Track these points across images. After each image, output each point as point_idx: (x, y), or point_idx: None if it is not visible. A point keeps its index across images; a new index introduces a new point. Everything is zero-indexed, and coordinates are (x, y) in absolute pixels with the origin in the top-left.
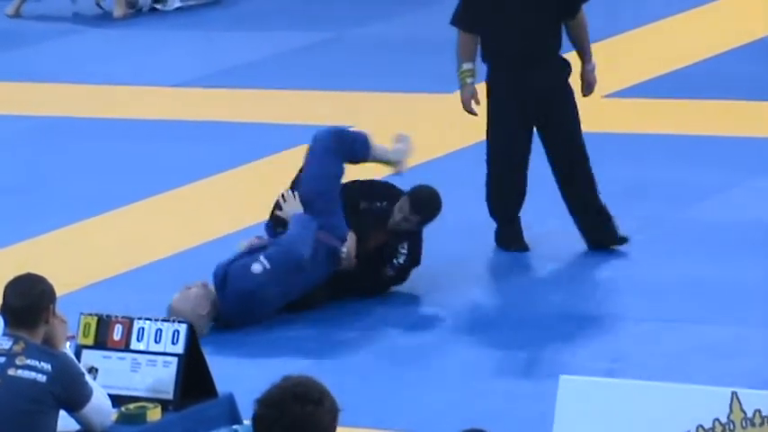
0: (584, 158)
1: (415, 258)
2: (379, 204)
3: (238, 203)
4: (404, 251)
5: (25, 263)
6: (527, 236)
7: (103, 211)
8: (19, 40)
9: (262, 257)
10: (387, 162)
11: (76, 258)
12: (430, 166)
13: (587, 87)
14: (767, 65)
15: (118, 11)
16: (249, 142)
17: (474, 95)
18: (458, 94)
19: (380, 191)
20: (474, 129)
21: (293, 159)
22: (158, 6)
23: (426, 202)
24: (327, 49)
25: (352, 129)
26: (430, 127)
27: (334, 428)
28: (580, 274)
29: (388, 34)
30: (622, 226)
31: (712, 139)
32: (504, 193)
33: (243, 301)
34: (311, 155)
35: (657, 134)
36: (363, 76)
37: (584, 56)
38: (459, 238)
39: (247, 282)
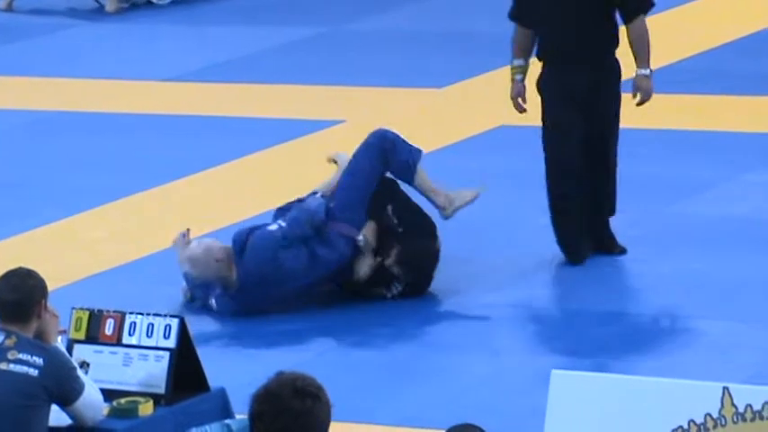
0: (610, 165)
1: (411, 292)
2: (396, 223)
3: (231, 198)
4: (399, 286)
5: (17, 257)
6: (524, 234)
7: (95, 206)
8: (11, 34)
9: (279, 221)
10: (432, 200)
11: (68, 253)
12: (428, 158)
13: (637, 93)
14: (760, 59)
15: (111, 5)
16: (243, 136)
17: (521, 93)
18: (449, 89)
19: (411, 215)
20: (474, 123)
21: (287, 153)
22: (153, 0)
23: (414, 265)
24: (321, 44)
25: (408, 140)
26: (423, 122)
27: (329, 422)
28: (572, 270)
29: (383, 29)
30: (616, 220)
31: (706, 133)
32: (562, 186)
33: (260, 260)
34: (357, 150)
35: (650, 129)
36: (357, 71)
37: (637, 60)
38: (459, 235)
39: (266, 239)
